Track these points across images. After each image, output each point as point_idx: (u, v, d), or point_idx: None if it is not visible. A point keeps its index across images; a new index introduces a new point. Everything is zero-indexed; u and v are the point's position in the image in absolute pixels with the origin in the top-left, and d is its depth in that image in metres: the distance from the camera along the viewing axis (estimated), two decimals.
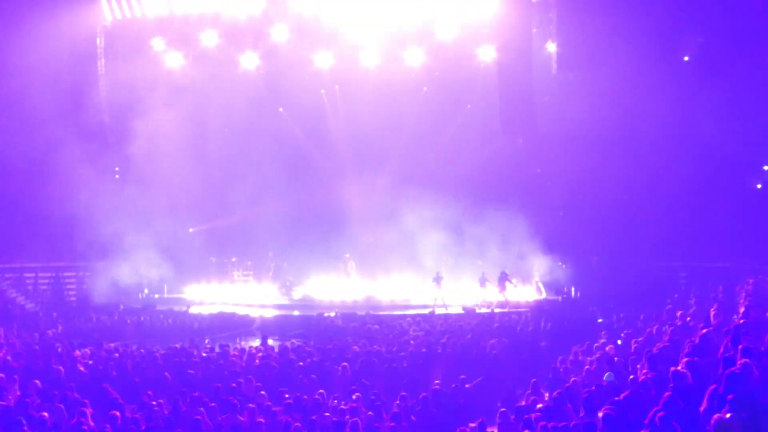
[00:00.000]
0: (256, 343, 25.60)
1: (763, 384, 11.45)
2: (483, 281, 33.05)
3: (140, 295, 35.23)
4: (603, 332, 22.57)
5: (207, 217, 37.75)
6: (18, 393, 16.66)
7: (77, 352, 22.14)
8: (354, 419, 14.61)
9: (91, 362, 20.79)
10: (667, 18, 31.97)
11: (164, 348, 22.98)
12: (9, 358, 20.88)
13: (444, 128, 37.38)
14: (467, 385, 17.75)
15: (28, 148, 33.10)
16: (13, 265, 35.00)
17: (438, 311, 30.95)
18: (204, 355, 21.77)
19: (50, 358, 21.01)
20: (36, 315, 31.80)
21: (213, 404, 15.66)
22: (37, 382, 17.26)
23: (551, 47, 34.10)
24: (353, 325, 27.45)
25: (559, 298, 32.96)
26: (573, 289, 33.11)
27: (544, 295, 33.71)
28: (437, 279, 32.84)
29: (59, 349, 22.60)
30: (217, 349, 22.93)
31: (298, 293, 35.74)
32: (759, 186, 33.56)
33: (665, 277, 31.35)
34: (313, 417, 14.99)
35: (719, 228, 31.19)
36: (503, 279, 32.46)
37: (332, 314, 29.97)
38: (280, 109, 38.04)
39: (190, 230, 37.46)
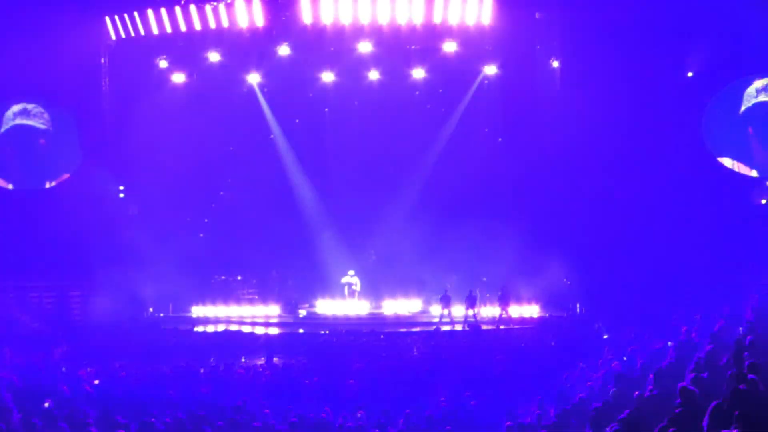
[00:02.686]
0: (261, 361, 25.59)
1: None
2: (471, 299, 32.89)
3: (145, 314, 35.14)
4: (608, 348, 22.54)
5: (212, 237, 37.70)
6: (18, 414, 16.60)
7: (82, 372, 22.14)
8: None
9: (96, 381, 20.80)
10: (671, 34, 32.03)
11: (169, 367, 22.97)
12: (14, 378, 20.86)
13: (446, 144, 37.46)
14: (472, 402, 17.73)
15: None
16: (18, 284, 34.91)
17: (443, 328, 30.91)
18: (209, 373, 21.77)
19: (55, 377, 21.00)
20: (41, 334, 31.72)
21: (218, 423, 15.64)
22: (46, 403, 17.24)
23: (555, 63, 34.14)
24: (358, 343, 27.44)
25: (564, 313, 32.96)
26: (578, 305, 33.06)
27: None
28: (445, 298, 32.78)
29: (64, 369, 22.60)
30: (222, 368, 22.94)
31: (302, 311, 35.69)
32: (764, 201, 33.52)
33: (670, 293, 31.27)
34: None
35: (724, 243, 31.14)
36: (505, 296, 32.41)
37: (336, 331, 29.97)
38: (275, 133, 38.19)
39: (201, 235, 37.54)
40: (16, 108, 35.20)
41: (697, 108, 32.73)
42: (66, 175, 35.11)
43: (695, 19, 31.53)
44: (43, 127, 35.37)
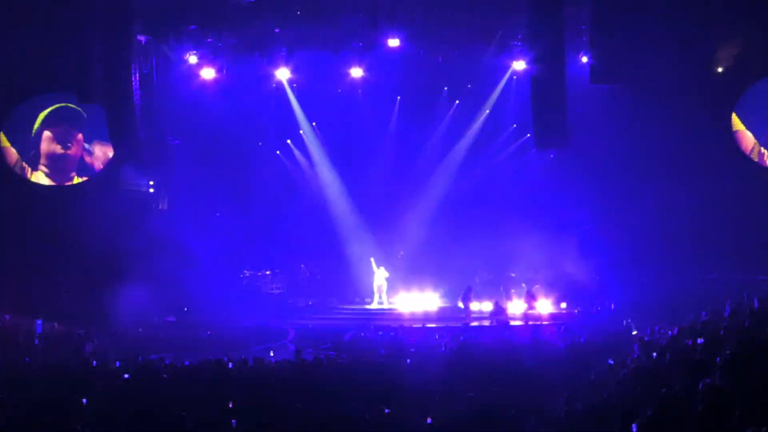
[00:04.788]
0: (289, 356, 25.66)
1: None
2: (506, 294, 32.97)
3: (185, 309, 35.13)
4: (637, 345, 22.43)
5: (236, 230, 37.79)
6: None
7: (112, 367, 22.29)
8: None
9: (126, 376, 20.93)
10: (702, 30, 31.86)
11: (198, 361, 23.07)
12: (47, 373, 21.06)
13: (475, 142, 37.55)
14: (499, 397, 17.70)
15: None
16: (48, 279, 34.96)
17: (472, 324, 30.95)
18: (238, 367, 21.85)
19: (86, 373, 21.16)
20: (71, 329, 31.87)
21: (247, 417, 15.71)
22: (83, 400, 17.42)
23: (584, 59, 34.03)
24: (386, 339, 27.48)
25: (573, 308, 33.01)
26: (607, 301, 32.94)
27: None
28: (468, 292, 32.79)
29: (95, 364, 22.76)
30: (251, 362, 23.01)
31: (332, 306, 35.84)
32: None
33: (701, 289, 31.07)
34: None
35: (756, 239, 31.01)
36: (530, 293, 32.38)
37: (365, 326, 30.08)
38: (314, 123, 38.22)
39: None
40: (53, 108, 35.43)
41: (728, 104, 32.81)
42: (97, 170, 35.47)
43: (726, 17, 31.39)
44: (77, 131, 35.66)
